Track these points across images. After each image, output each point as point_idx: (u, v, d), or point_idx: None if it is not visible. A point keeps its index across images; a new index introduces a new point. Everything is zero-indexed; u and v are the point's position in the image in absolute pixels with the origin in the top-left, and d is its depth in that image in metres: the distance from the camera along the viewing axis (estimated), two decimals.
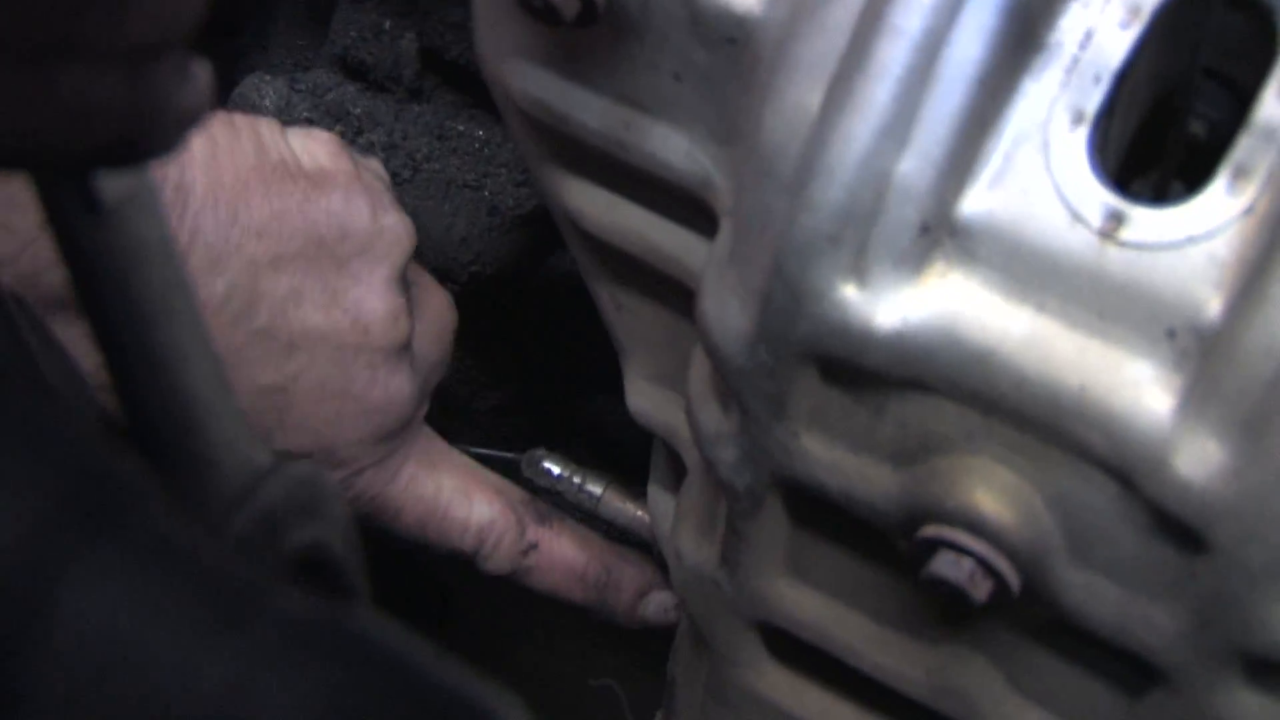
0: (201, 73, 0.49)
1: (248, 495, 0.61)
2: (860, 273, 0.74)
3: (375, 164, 1.11)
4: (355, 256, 1.00)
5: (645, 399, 1.03)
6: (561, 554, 1.14)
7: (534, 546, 1.13)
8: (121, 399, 0.57)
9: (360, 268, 1.01)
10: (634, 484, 1.17)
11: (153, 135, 0.48)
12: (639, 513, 1.16)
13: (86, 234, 0.55)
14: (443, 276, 1.21)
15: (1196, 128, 0.80)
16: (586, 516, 1.19)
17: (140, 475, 0.38)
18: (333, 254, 0.99)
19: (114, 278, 0.55)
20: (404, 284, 1.05)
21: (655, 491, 1.10)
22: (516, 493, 1.14)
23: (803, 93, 0.75)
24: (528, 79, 0.88)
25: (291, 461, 0.64)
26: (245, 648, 0.35)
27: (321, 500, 0.66)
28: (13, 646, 0.36)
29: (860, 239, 0.74)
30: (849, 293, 0.75)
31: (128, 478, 0.37)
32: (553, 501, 1.18)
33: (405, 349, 1.04)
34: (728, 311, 0.80)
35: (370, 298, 1.01)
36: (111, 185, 0.53)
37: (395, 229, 1.03)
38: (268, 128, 1.00)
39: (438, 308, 1.10)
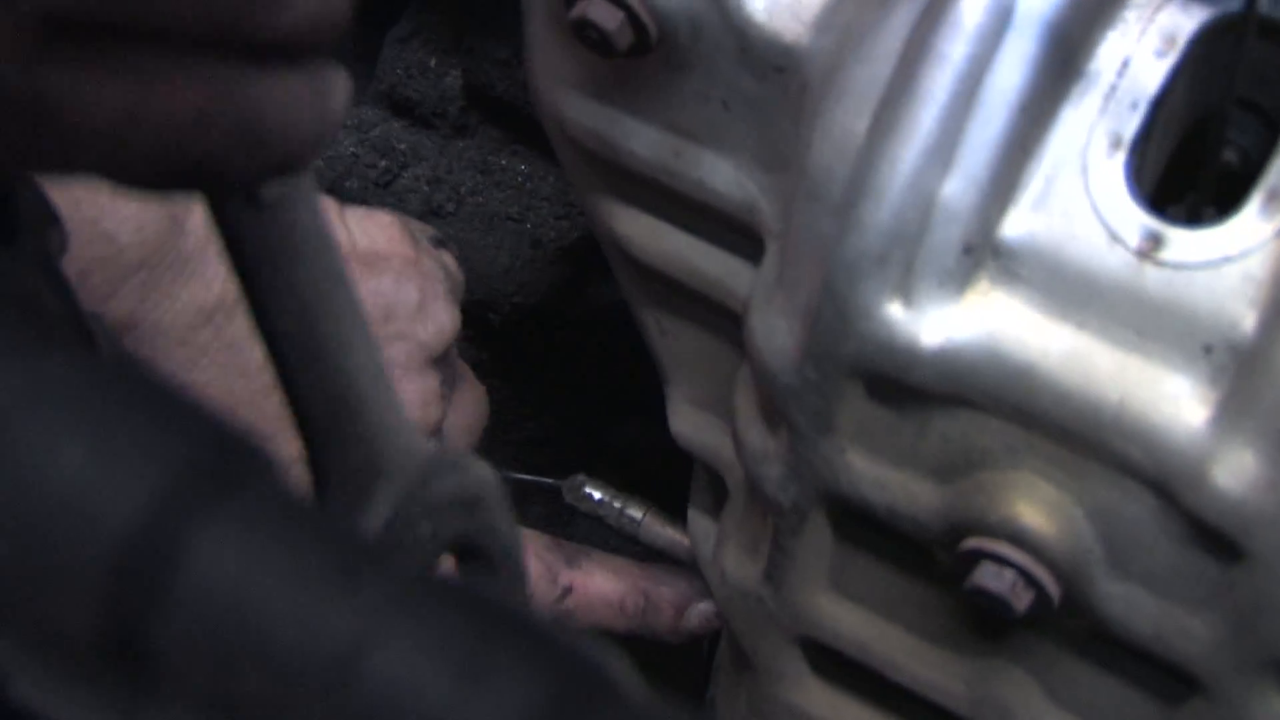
0: (343, 79, 0.51)
1: (413, 482, 0.63)
2: (906, 292, 0.77)
3: (447, 257, 1.10)
4: (396, 339, 1.01)
5: (688, 423, 1.05)
6: (597, 591, 1.15)
7: (569, 591, 1.14)
8: (285, 388, 0.59)
9: (399, 350, 1.01)
10: (673, 510, 1.19)
11: (318, 146, 0.50)
12: (679, 536, 1.18)
13: (249, 229, 0.56)
14: (486, 307, 1.24)
15: (1230, 155, 0.82)
16: (628, 540, 1.21)
17: (260, 446, 0.40)
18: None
19: (278, 270, 0.57)
20: (442, 371, 1.05)
21: (695, 515, 1.12)
22: (541, 540, 1.15)
23: (850, 118, 0.78)
24: (580, 109, 0.91)
25: (455, 452, 0.66)
26: (366, 603, 0.37)
27: (483, 492, 0.69)
28: (143, 605, 0.38)
29: (906, 259, 0.76)
30: (895, 311, 0.77)
31: (249, 446, 0.40)
32: (594, 526, 1.20)
33: (434, 435, 1.05)
34: (776, 331, 0.82)
35: (404, 379, 1.01)
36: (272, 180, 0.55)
37: (440, 317, 1.04)
38: (322, 202, 1.01)
39: (473, 401, 1.11)
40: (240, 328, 0.93)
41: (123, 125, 0.44)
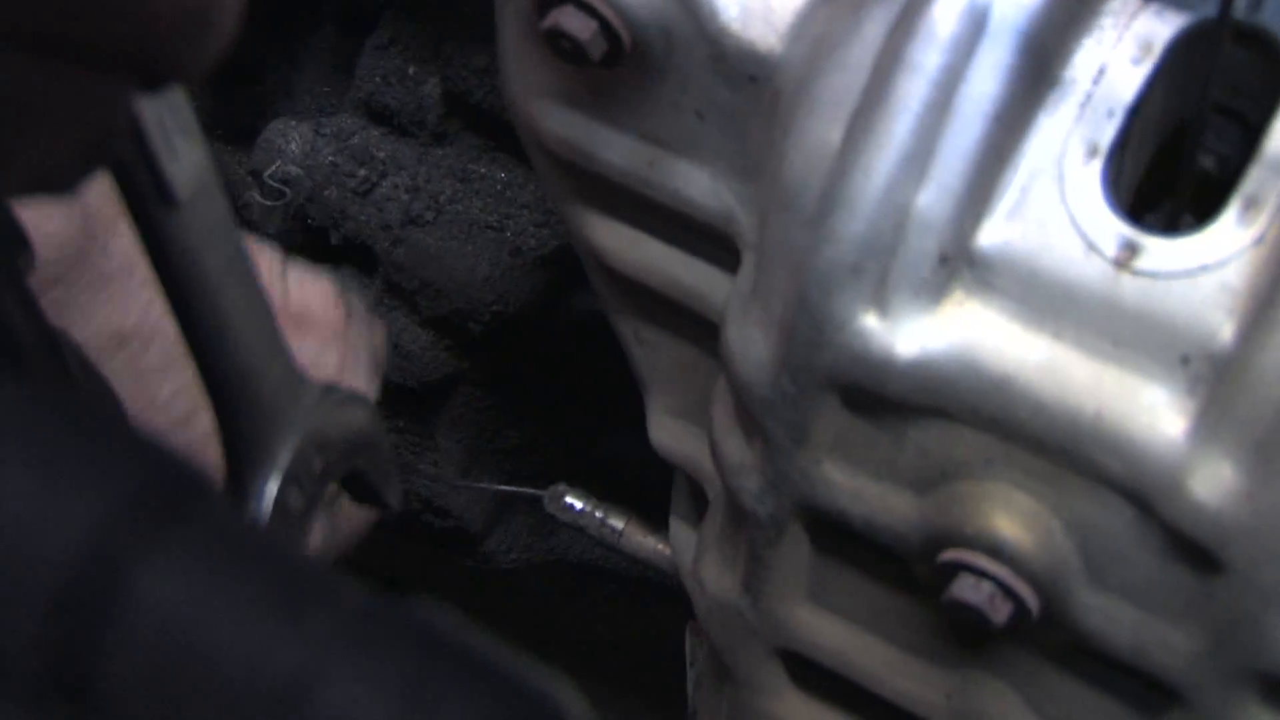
0: None
1: (306, 423, 0.71)
2: (881, 302, 0.76)
3: (378, 334, 1.11)
4: None
5: (667, 433, 1.05)
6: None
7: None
8: (196, 358, 0.67)
9: None
10: (655, 519, 1.18)
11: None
12: (660, 546, 1.18)
13: (162, 223, 0.63)
14: (466, 316, 1.23)
15: (1207, 162, 0.82)
16: (609, 550, 1.20)
17: (203, 472, 0.40)
18: None
19: (187, 258, 0.64)
20: None
21: (677, 525, 1.11)
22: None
23: (824, 128, 0.78)
24: (554, 118, 0.90)
25: (340, 390, 0.74)
26: (313, 635, 0.37)
27: (367, 426, 0.77)
28: (84, 633, 0.37)
29: (881, 269, 0.76)
30: (870, 322, 0.77)
31: (192, 473, 0.39)
32: (575, 536, 1.20)
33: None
34: (751, 342, 0.82)
35: None
36: (183, 179, 0.59)
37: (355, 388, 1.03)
38: (268, 259, 1.01)
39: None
40: (155, 358, 0.92)
41: None
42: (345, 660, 0.36)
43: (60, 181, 0.51)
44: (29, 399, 0.39)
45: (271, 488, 0.71)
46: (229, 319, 0.67)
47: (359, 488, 0.79)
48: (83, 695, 0.37)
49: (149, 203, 0.63)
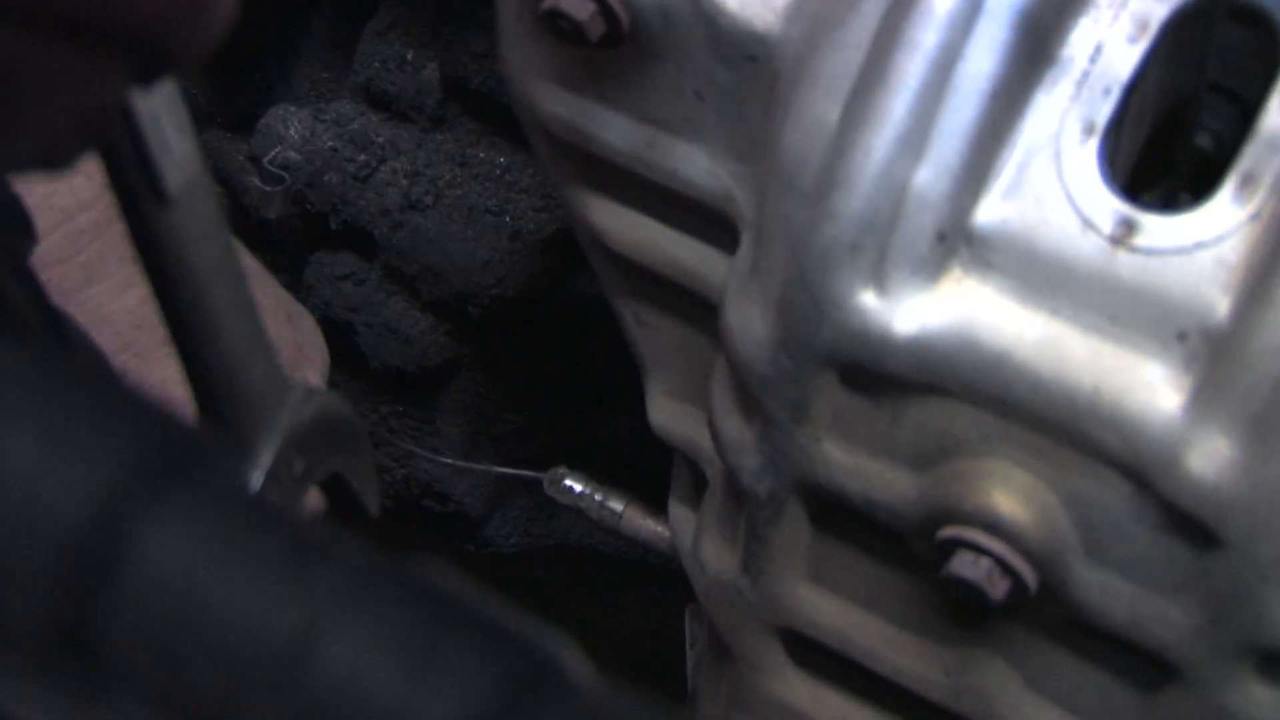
0: None
1: (289, 424, 0.72)
2: (879, 280, 0.76)
3: (321, 339, 1.11)
4: None
5: (667, 414, 1.05)
6: None
7: None
8: (179, 348, 0.68)
9: None
10: (654, 501, 1.19)
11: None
12: (660, 528, 1.18)
13: (153, 218, 0.63)
14: (465, 300, 1.24)
15: (1203, 140, 0.82)
16: (609, 532, 1.20)
17: (206, 434, 0.40)
18: None
19: (176, 254, 0.65)
20: None
21: (676, 507, 1.12)
22: None
23: (822, 107, 0.78)
24: (553, 99, 0.90)
25: (321, 391, 0.74)
26: (316, 592, 0.37)
27: (347, 428, 0.77)
28: (90, 593, 0.38)
29: (879, 247, 0.76)
30: (868, 299, 0.77)
31: (195, 435, 0.40)
32: (575, 518, 1.20)
33: None
34: (750, 320, 0.82)
35: None
36: (175, 176, 0.59)
37: None
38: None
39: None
40: None
41: None
42: (348, 616, 0.37)
43: (57, 157, 0.51)
44: (31, 363, 0.39)
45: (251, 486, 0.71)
46: (216, 316, 0.68)
47: (338, 492, 0.80)
48: (89, 654, 0.38)
49: (140, 197, 0.63)
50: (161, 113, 0.62)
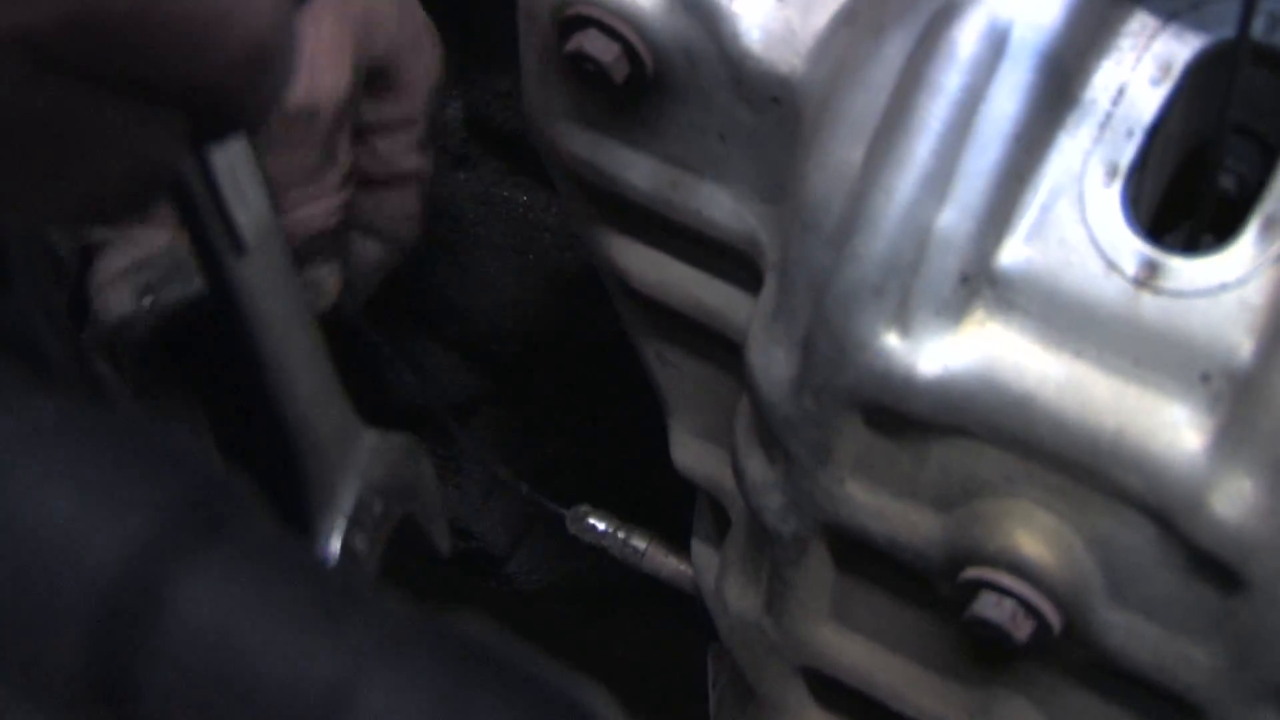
0: None
1: (360, 463, 0.73)
2: (903, 322, 0.77)
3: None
4: None
5: (690, 453, 1.05)
6: None
7: None
8: (257, 399, 0.69)
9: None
10: (677, 540, 1.19)
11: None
12: (682, 567, 1.18)
13: (230, 269, 0.65)
14: (489, 339, 1.24)
15: (1226, 182, 0.82)
16: (632, 570, 1.21)
17: (243, 485, 0.40)
18: None
19: (253, 304, 0.66)
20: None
21: (699, 545, 1.12)
22: None
23: (846, 149, 0.78)
24: (577, 141, 0.91)
25: (397, 437, 0.76)
26: (351, 645, 0.37)
27: (418, 473, 0.79)
28: (129, 646, 0.38)
29: (903, 289, 0.76)
30: (892, 341, 0.77)
31: (233, 487, 0.40)
32: (598, 556, 1.20)
33: None
34: (774, 361, 0.82)
35: None
36: (251, 226, 0.61)
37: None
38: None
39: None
40: None
41: None
42: (385, 668, 0.37)
43: (106, 212, 0.52)
44: (69, 413, 0.40)
45: (338, 531, 0.73)
46: (292, 363, 0.69)
47: (411, 532, 0.81)
48: (125, 705, 0.38)
49: (219, 249, 0.65)
50: (237, 164, 0.64)
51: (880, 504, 0.82)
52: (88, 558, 0.37)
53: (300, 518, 0.72)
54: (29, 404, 0.40)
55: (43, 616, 0.38)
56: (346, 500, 0.73)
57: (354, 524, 0.73)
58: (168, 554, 0.38)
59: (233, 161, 0.64)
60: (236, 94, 0.49)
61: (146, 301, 0.92)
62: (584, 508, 1.22)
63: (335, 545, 0.72)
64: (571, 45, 0.84)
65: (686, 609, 1.20)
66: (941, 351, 0.77)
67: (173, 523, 0.38)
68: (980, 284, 0.76)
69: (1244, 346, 0.72)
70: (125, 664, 0.38)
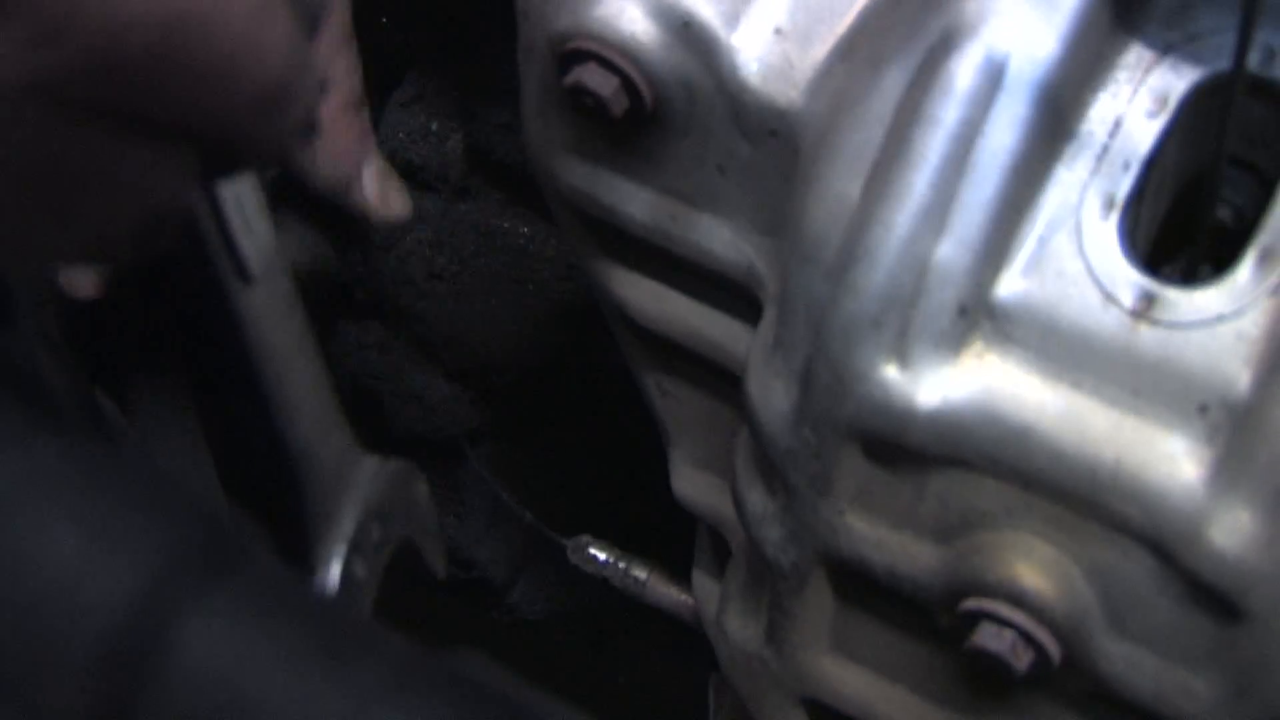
0: None
1: (360, 490, 0.74)
2: (901, 354, 0.77)
3: None
4: None
5: (690, 484, 1.05)
6: None
7: None
8: (260, 427, 0.69)
9: None
10: (678, 570, 1.19)
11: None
12: (683, 597, 1.18)
13: (236, 299, 0.66)
14: (489, 370, 1.24)
15: (1223, 214, 0.83)
16: (633, 600, 1.21)
17: (246, 527, 0.41)
18: None
19: (258, 333, 0.67)
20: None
21: (699, 576, 1.12)
22: None
23: (843, 182, 0.79)
24: (577, 173, 0.91)
25: (396, 463, 0.76)
26: (356, 685, 0.38)
27: (415, 498, 0.80)
28: (134, 687, 0.38)
29: (901, 321, 0.77)
30: (891, 373, 0.77)
31: (236, 529, 0.40)
32: (599, 586, 1.20)
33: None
34: (773, 393, 0.83)
35: None
36: (256, 256, 0.61)
37: None
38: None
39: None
40: None
41: None
42: (390, 708, 0.37)
43: (113, 252, 0.52)
44: (72, 455, 0.40)
45: (339, 558, 0.73)
46: (295, 391, 0.70)
47: (409, 556, 0.81)
48: None
49: (225, 278, 0.65)
50: (243, 195, 0.64)
51: (880, 535, 0.82)
52: (94, 598, 0.38)
53: (300, 544, 0.73)
54: (34, 443, 0.40)
55: (48, 656, 0.38)
56: (347, 526, 0.74)
57: (354, 549, 0.74)
58: (173, 594, 0.38)
59: (239, 193, 0.64)
60: (250, 132, 0.50)
61: None
62: (585, 538, 1.23)
63: (336, 571, 0.73)
64: (571, 79, 0.85)
65: (687, 639, 1.20)
66: (940, 383, 0.77)
67: (178, 563, 0.39)
68: (978, 316, 0.77)
69: (1241, 378, 0.73)
70: (130, 704, 0.38)
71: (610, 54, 0.84)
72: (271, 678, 0.38)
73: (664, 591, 1.20)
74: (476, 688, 0.38)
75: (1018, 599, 0.78)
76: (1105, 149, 0.77)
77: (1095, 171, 0.77)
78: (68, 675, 0.38)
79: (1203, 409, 0.74)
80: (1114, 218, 0.76)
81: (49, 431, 0.40)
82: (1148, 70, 0.78)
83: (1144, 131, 0.77)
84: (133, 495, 0.40)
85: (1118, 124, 0.77)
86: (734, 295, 0.90)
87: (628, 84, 0.84)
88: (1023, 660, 0.78)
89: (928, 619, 0.84)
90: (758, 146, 0.84)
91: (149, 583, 0.38)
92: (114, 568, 0.38)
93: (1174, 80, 0.78)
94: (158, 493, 0.40)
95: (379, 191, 1.12)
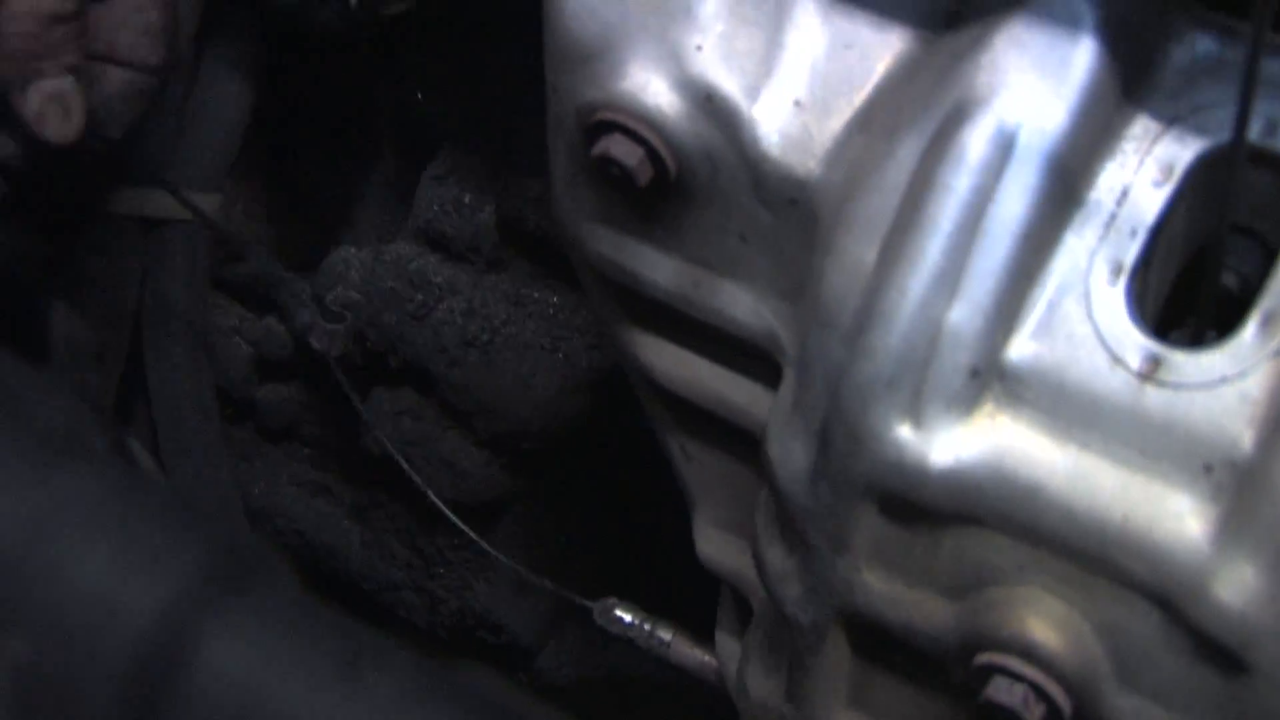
0: None
1: None
2: (915, 414, 0.79)
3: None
4: None
5: (713, 546, 1.07)
6: None
7: None
8: None
9: None
10: (701, 631, 1.20)
11: None
12: (707, 658, 1.20)
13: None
14: (519, 436, 1.27)
15: (1229, 280, 0.85)
16: (658, 661, 1.22)
17: (264, 546, 0.43)
18: None
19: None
20: None
21: (722, 636, 1.14)
22: None
23: (860, 248, 0.81)
24: (603, 241, 0.94)
25: None
26: (368, 697, 0.40)
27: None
28: (158, 701, 0.41)
29: (915, 383, 0.79)
30: (905, 433, 0.80)
31: (255, 548, 0.43)
32: (625, 647, 1.22)
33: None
34: (791, 453, 0.85)
35: None
36: None
37: None
38: None
39: None
40: None
41: None
42: (405, 719, 0.39)
43: None
44: (100, 480, 0.43)
45: None
46: None
47: None
48: None
49: None
50: None
51: (895, 591, 0.84)
52: (123, 612, 0.40)
53: None
54: (74, 470, 0.43)
55: (79, 665, 0.40)
56: None
57: None
58: (196, 611, 0.41)
59: None
60: None
61: None
62: (611, 600, 1.24)
63: None
64: (598, 149, 0.87)
65: (712, 699, 1.21)
66: (953, 443, 0.79)
67: (204, 581, 0.41)
68: (990, 378, 0.79)
69: (1245, 438, 0.75)
70: (157, 712, 0.40)
71: (636, 125, 0.86)
72: (290, 689, 0.40)
73: (688, 653, 1.21)
74: (488, 703, 0.41)
75: (1029, 653, 0.80)
76: (1113, 217, 0.80)
77: (1103, 238, 0.79)
78: (99, 683, 0.40)
79: (1208, 468, 0.75)
80: (1121, 283, 0.79)
81: (86, 460, 0.42)
82: (1154, 141, 0.81)
83: (1151, 200, 0.80)
84: (162, 520, 0.42)
85: (1125, 193, 0.80)
86: (755, 359, 0.92)
87: (652, 154, 0.87)
88: (1034, 713, 0.80)
89: (943, 673, 0.86)
90: (778, 215, 0.87)
91: (178, 597, 0.41)
92: (144, 584, 0.40)
93: (1179, 151, 0.80)
94: (184, 517, 0.42)
95: (38, 111, 1.07)
